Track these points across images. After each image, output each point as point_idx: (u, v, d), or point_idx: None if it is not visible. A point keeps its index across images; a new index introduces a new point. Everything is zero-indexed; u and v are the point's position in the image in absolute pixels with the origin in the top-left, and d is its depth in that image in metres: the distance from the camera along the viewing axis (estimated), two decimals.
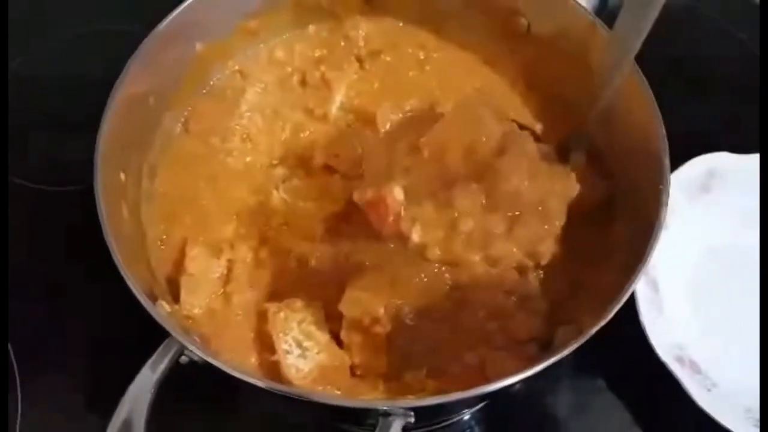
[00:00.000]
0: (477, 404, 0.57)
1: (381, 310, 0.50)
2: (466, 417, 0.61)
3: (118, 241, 0.45)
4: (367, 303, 0.49)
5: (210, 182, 0.59)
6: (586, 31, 0.60)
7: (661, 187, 0.49)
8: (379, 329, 0.49)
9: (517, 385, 0.42)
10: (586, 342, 0.64)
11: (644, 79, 0.54)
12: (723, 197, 0.72)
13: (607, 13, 0.94)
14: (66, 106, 0.79)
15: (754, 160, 0.73)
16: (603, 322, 0.42)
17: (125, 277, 0.43)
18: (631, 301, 0.64)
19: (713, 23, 0.92)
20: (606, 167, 0.60)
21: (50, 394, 0.60)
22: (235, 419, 0.57)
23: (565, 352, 0.42)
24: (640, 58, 0.55)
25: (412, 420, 0.41)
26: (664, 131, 0.52)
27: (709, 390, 0.62)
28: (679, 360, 0.63)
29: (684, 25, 0.92)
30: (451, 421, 0.60)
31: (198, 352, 0.41)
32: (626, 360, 0.67)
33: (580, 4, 0.61)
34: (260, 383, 0.39)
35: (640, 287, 0.64)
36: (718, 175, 0.72)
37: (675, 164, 0.70)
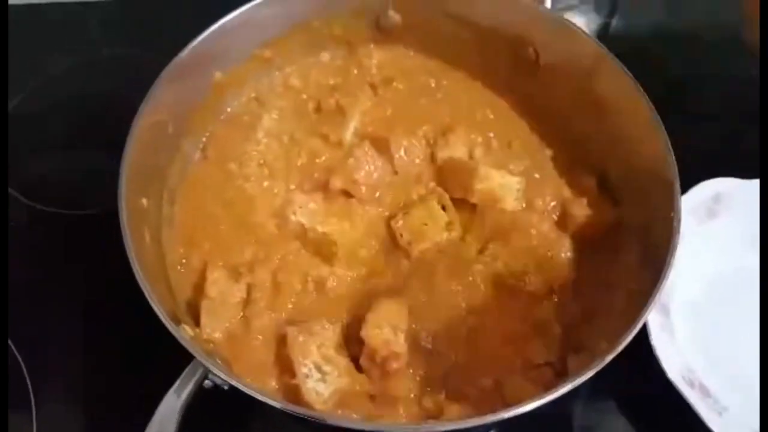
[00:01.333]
0: (492, 427, 0.58)
1: (402, 338, 0.50)
2: None
3: (142, 265, 0.46)
4: (388, 332, 0.50)
5: (228, 207, 0.60)
6: (594, 61, 0.62)
7: (672, 214, 0.50)
8: (399, 355, 0.50)
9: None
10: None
11: (653, 107, 0.56)
12: (730, 221, 0.73)
13: (609, 38, 0.99)
14: (83, 130, 0.81)
15: (758, 185, 0.74)
16: (619, 349, 0.43)
17: (151, 301, 0.43)
18: (642, 326, 0.65)
19: (715, 45, 0.94)
20: (616, 193, 0.62)
21: (68, 420, 0.60)
22: None
23: (583, 379, 0.42)
24: (642, 83, 0.57)
25: None
26: (674, 160, 0.53)
27: (720, 414, 0.62)
28: (690, 383, 0.63)
29: (685, 47, 0.95)
30: None
31: (223, 375, 0.41)
32: (637, 383, 0.67)
33: (587, 34, 0.63)
34: (285, 407, 0.40)
35: (651, 312, 0.65)
36: (724, 199, 0.73)
37: (681, 189, 0.73)
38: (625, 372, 0.65)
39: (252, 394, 0.40)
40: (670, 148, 0.54)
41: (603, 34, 0.99)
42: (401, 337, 0.50)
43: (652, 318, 0.64)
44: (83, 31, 0.93)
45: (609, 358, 0.42)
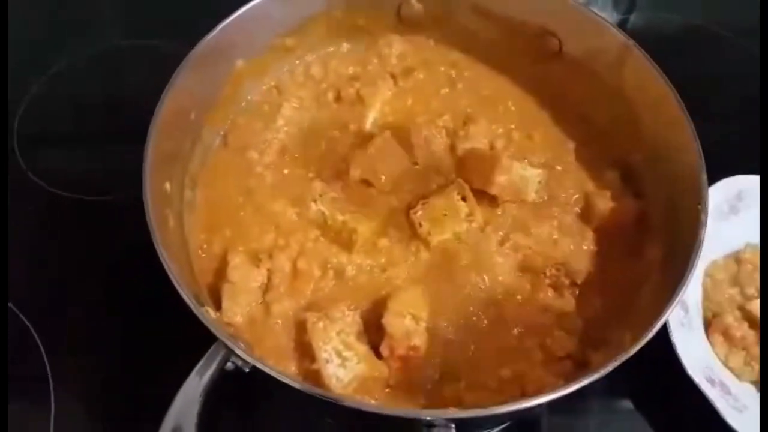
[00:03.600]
0: (514, 418, 0.57)
1: (422, 327, 0.50)
2: (496, 430, 0.61)
3: (167, 249, 0.47)
4: (409, 320, 0.50)
5: (248, 194, 0.60)
6: (620, 52, 0.61)
7: (699, 206, 0.49)
8: (419, 344, 0.50)
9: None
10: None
11: (680, 99, 0.55)
12: (751, 218, 0.72)
13: (627, 33, 0.97)
14: (103, 117, 0.82)
15: None
16: (643, 342, 0.42)
17: (176, 283, 0.44)
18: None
19: (734, 43, 0.93)
20: (639, 186, 0.61)
21: (89, 406, 0.61)
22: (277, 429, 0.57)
23: (605, 371, 0.42)
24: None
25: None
26: (701, 152, 0.52)
27: (740, 411, 0.61)
28: (710, 381, 0.62)
29: (704, 44, 0.93)
30: None
31: (245, 356, 0.41)
32: (654, 380, 0.66)
33: (613, 25, 0.62)
34: (308, 389, 0.40)
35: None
36: (746, 196, 0.72)
37: None
38: (643, 368, 0.66)
39: (275, 375, 0.40)
40: (697, 139, 0.53)
41: (622, 23, 0.98)
42: (422, 326, 0.50)
43: (673, 314, 0.64)
44: (104, 19, 0.94)
45: (633, 351, 0.42)
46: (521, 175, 0.59)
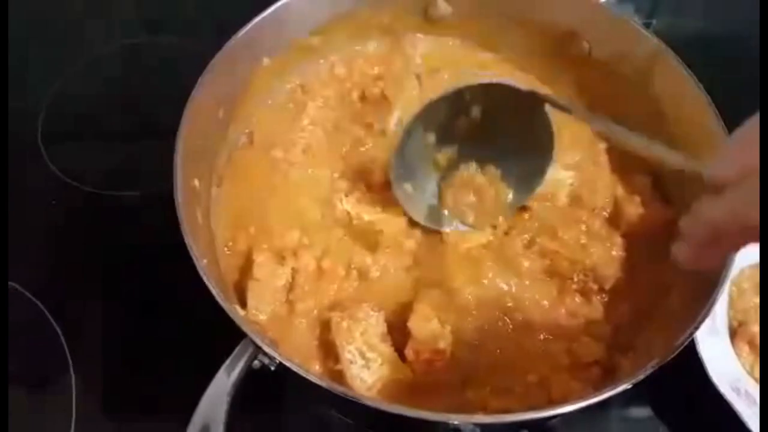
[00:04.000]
0: (538, 425, 0.57)
1: (448, 330, 0.50)
2: None
3: (197, 244, 0.47)
4: (435, 324, 0.50)
5: (273, 192, 0.60)
6: (650, 56, 0.61)
7: None
8: (444, 348, 0.49)
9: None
10: None
11: (714, 107, 0.54)
12: None
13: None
14: (128, 114, 0.82)
15: None
16: (676, 351, 0.42)
17: (206, 279, 0.44)
18: None
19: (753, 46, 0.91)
20: (669, 193, 0.60)
21: (114, 405, 0.61)
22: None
23: (635, 379, 0.41)
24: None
25: None
26: None
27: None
28: (736, 390, 0.61)
29: (726, 50, 0.92)
30: None
31: (273, 353, 0.41)
32: (678, 387, 0.65)
33: (644, 28, 0.61)
34: (336, 390, 0.40)
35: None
36: None
37: None
38: (665, 376, 0.65)
39: (303, 374, 0.40)
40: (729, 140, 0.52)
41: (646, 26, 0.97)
42: (448, 330, 0.50)
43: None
44: (127, 16, 0.95)
45: (666, 359, 0.41)
46: (554, 179, 0.59)
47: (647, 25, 0.98)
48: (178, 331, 0.60)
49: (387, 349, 0.49)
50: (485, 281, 0.55)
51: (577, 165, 0.62)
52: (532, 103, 0.53)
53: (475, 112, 0.56)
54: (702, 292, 0.46)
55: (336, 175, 0.61)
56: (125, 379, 0.61)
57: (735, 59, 0.91)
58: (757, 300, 0.68)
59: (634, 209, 0.58)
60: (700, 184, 0.55)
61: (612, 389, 0.40)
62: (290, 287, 0.53)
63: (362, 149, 0.63)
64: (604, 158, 0.63)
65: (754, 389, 0.63)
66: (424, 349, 0.48)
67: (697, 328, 0.43)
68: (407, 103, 0.67)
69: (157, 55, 0.88)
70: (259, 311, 0.51)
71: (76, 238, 0.71)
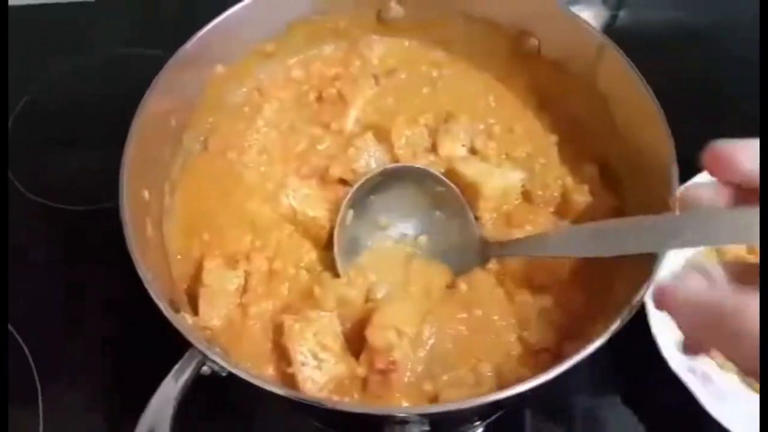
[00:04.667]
0: (492, 414, 0.58)
1: (406, 342, 0.50)
2: (480, 430, 0.62)
3: (144, 256, 0.47)
4: (393, 334, 0.50)
5: (226, 196, 0.60)
6: (595, 52, 0.61)
7: (669, 200, 0.49)
8: (399, 359, 0.49)
9: (530, 396, 0.43)
10: (601, 357, 0.65)
11: (654, 96, 0.55)
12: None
13: (616, 31, 0.97)
14: (86, 127, 0.82)
15: None
16: (609, 333, 0.42)
17: (150, 290, 0.44)
18: (644, 315, 0.65)
19: (723, 41, 0.93)
20: (617, 182, 0.61)
21: (72, 405, 0.62)
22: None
23: (575, 360, 0.42)
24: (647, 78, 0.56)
25: (427, 428, 0.42)
26: (672, 145, 0.52)
27: (721, 400, 0.62)
28: (692, 370, 0.63)
29: (693, 42, 0.93)
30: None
31: (220, 362, 0.42)
32: (641, 373, 0.68)
33: (590, 25, 0.62)
34: (280, 392, 0.40)
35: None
36: None
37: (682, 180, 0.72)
38: (629, 363, 0.67)
39: (248, 380, 0.41)
40: (670, 134, 0.53)
41: (609, 27, 0.99)
42: (405, 341, 0.50)
43: (653, 307, 0.64)
44: (84, 31, 0.95)
45: (599, 341, 0.42)
46: (504, 188, 0.60)
47: (614, 17, 0.99)
48: (131, 336, 0.61)
49: (340, 348, 0.50)
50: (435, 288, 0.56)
51: (528, 157, 0.63)
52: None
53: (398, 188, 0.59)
54: (645, 278, 0.47)
55: (288, 173, 0.62)
56: (83, 383, 0.62)
57: (697, 51, 0.93)
58: None
59: (582, 198, 0.59)
60: (645, 173, 0.57)
61: (548, 374, 0.41)
62: (243, 290, 0.53)
63: (319, 148, 0.64)
64: (554, 150, 0.64)
65: (711, 369, 0.65)
66: (378, 359, 0.49)
67: (630, 313, 0.44)
68: (364, 102, 0.68)
69: (120, 69, 0.89)
70: (211, 317, 0.51)
71: (40, 253, 0.72)
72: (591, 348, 0.42)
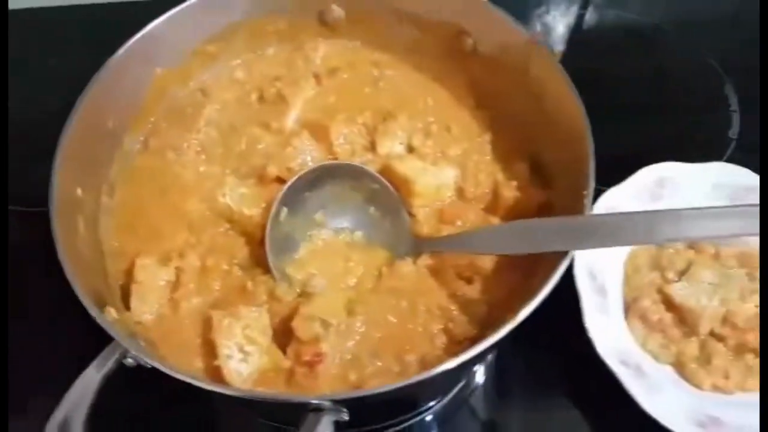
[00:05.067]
0: (420, 406, 0.59)
1: (332, 333, 0.52)
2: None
3: (70, 251, 0.48)
4: (319, 326, 0.52)
5: (164, 195, 0.62)
6: (525, 48, 0.64)
7: (584, 193, 0.51)
8: (326, 351, 0.51)
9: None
10: (539, 353, 0.66)
11: (577, 94, 0.57)
12: (675, 205, 0.73)
13: (582, 31, 1.00)
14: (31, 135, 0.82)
15: (701, 168, 0.75)
16: (519, 318, 0.44)
17: (72, 284, 0.45)
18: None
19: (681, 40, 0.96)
20: (548, 178, 0.63)
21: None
22: (173, 422, 0.59)
23: (481, 348, 0.44)
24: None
25: (346, 417, 0.43)
26: (591, 143, 0.54)
27: (655, 393, 0.62)
28: (624, 363, 0.63)
29: (656, 41, 0.96)
30: (400, 428, 0.63)
31: (138, 354, 0.43)
32: (576, 367, 0.68)
33: (518, 23, 0.64)
34: (190, 380, 0.41)
35: (588, 293, 0.66)
36: (668, 183, 0.75)
37: (625, 175, 0.73)
38: (564, 357, 0.68)
39: (166, 371, 0.42)
40: (590, 132, 0.55)
41: (576, 27, 1.01)
42: (331, 332, 0.52)
43: (588, 298, 0.66)
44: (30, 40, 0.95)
45: (507, 328, 0.44)
46: (437, 186, 0.62)
47: (581, 16, 1.01)
48: (60, 332, 0.61)
49: (266, 341, 0.51)
50: (371, 275, 0.57)
51: (463, 154, 0.65)
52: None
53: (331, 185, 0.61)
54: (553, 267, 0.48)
55: (227, 172, 0.63)
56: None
57: (656, 50, 0.95)
58: (652, 275, 0.71)
59: (510, 192, 0.61)
60: (572, 170, 0.59)
61: (460, 357, 0.43)
62: (175, 286, 0.54)
63: (258, 147, 0.65)
64: (488, 148, 0.66)
65: (646, 362, 0.66)
66: (305, 351, 0.50)
67: (538, 300, 0.46)
68: (305, 102, 0.70)
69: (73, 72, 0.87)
70: (143, 312, 0.52)
71: None
72: (501, 333, 0.43)
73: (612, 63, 0.93)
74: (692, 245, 0.72)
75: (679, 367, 0.66)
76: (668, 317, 0.68)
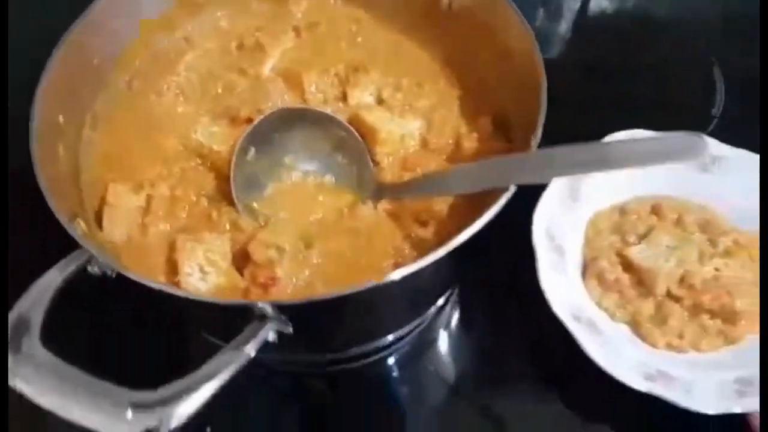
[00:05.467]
0: (373, 336, 0.62)
1: (286, 260, 0.55)
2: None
3: (47, 171, 0.51)
4: (274, 252, 0.55)
5: (142, 132, 0.65)
6: (493, 5, 0.66)
7: (532, 136, 0.54)
8: (281, 276, 0.54)
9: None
10: (500, 309, 0.71)
11: (539, 53, 0.59)
12: (639, 172, 0.70)
13: (587, 17, 1.01)
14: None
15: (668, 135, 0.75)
16: (464, 236, 0.48)
17: (44, 190, 0.48)
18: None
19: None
20: (508, 132, 0.66)
21: None
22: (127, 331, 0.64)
23: (426, 260, 0.47)
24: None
25: (290, 330, 0.47)
26: (544, 97, 0.56)
27: (607, 349, 0.62)
28: (576, 318, 0.64)
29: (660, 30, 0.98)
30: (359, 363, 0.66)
31: (103, 259, 0.46)
32: (533, 324, 0.70)
33: None
34: (149, 282, 0.44)
35: (545, 251, 0.66)
36: None
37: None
38: (521, 314, 0.71)
39: (127, 274, 0.45)
40: (545, 79, 0.57)
41: (582, 11, 1.03)
42: (286, 258, 0.55)
43: (543, 256, 0.66)
44: None
45: (444, 249, 0.47)
46: (401, 135, 0.65)
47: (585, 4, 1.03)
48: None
49: (226, 264, 0.54)
50: (332, 212, 0.61)
51: (430, 107, 0.68)
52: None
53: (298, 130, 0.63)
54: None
55: (202, 112, 0.66)
56: None
57: (665, 39, 0.97)
58: (612, 238, 0.72)
59: (471, 144, 0.63)
60: (528, 119, 0.61)
61: (396, 274, 0.46)
62: (145, 212, 0.58)
63: (234, 91, 0.69)
64: (455, 103, 0.69)
65: (600, 320, 0.66)
66: (261, 273, 0.53)
67: (471, 229, 0.49)
68: (282, 52, 0.73)
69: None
70: (114, 233, 0.56)
71: None
72: (434, 256, 0.47)
73: (614, 50, 0.94)
74: (655, 211, 0.74)
75: (635, 326, 0.67)
76: (625, 278, 0.68)
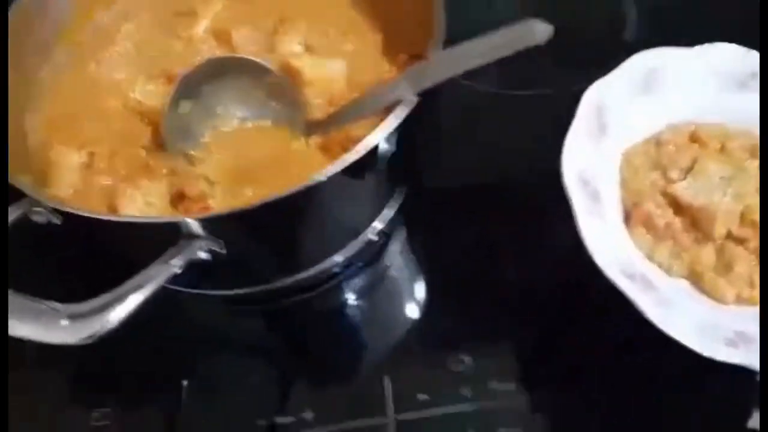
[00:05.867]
0: (312, 259, 0.65)
1: (218, 191, 0.59)
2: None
3: None
4: (205, 185, 0.60)
5: (87, 99, 0.70)
6: None
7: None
8: (213, 206, 0.58)
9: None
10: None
11: None
12: (669, 98, 0.65)
13: None
14: None
15: (695, 53, 0.65)
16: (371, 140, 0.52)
17: None
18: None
19: None
20: None
21: None
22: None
23: (343, 163, 0.52)
24: None
25: (223, 251, 0.51)
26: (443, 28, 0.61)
27: (666, 307, 0.53)
28: (629, 276, 0.54)
29: None
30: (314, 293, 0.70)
31: (42, 199, 0.50)
32: (570, 276, 0.64)
33: None
34: (88, 213, 0.49)
35: (581, 198, 0.56)
36: (660, 75, 0.65)
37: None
38: (557, 265, 0.65)
39: (70, 210, 0.50)
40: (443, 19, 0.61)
41: None
42: (218, 191, 0.60)
43: (580, 203, 0.56)
44: None
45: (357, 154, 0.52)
46: (329, 77, 0.69)
47: None
48: None
49: (163, 204, 0.59)
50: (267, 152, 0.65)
51: (354, 51, 0.73)
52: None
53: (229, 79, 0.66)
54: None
55: (140, 74, 0.71)
56: None
57: None
58: (654, 176, 0.63)
59: (390, 78, 0.66)
60: None
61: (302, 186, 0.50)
62: (88, 167, 0.63)
63: (169, 54, 0.73)
64: (378, 46, 0.73)
65: (654, 275, 0.57)
66: (194, 206, 0.58)
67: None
68: (214, 14, 0.77)
69: None
70: (59, 188, 0.61)
71: None
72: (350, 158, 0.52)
73: None
74: (694, 139, 0.64)
75: (696, 278, 0.57)
76: (677, 222, 0.59)
